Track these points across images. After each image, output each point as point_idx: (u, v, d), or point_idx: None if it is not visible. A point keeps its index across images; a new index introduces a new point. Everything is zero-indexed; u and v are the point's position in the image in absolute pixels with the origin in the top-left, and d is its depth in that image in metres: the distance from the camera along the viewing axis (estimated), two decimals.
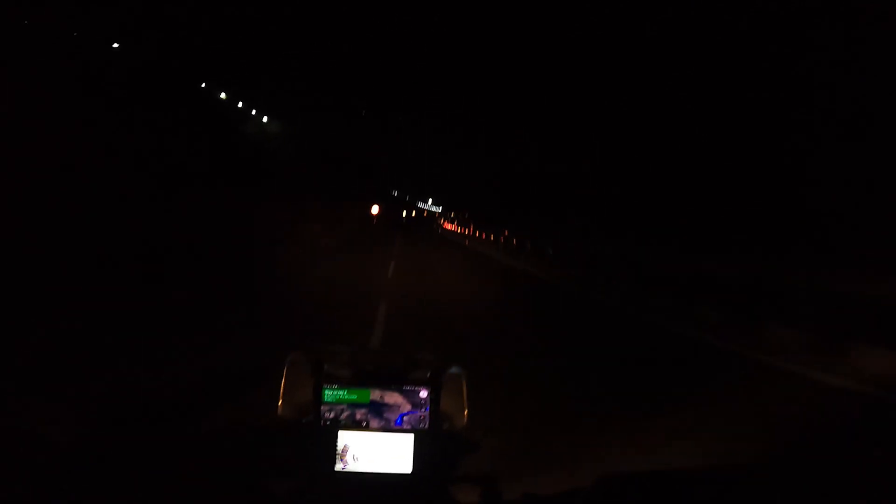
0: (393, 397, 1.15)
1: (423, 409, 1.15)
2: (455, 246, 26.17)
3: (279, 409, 1.17)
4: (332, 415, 1.14)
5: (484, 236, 25.82)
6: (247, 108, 47.91)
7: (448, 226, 53.99)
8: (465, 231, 35.08)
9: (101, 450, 2.31)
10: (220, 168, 18.94)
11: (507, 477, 1.17)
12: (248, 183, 19.79)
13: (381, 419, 1.15)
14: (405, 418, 1.15)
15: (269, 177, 25.65)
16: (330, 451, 1.11)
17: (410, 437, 1.13)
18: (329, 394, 1.14)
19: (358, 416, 1.14)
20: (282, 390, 1.17)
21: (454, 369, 1.20)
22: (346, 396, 1.14)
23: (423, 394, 1.15)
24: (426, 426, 1.14)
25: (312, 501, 1.11)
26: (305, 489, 1.12)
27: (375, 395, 1.15)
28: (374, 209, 38.99)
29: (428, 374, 1.18)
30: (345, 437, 1.12)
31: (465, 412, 1.18)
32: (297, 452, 1.15)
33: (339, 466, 1.11)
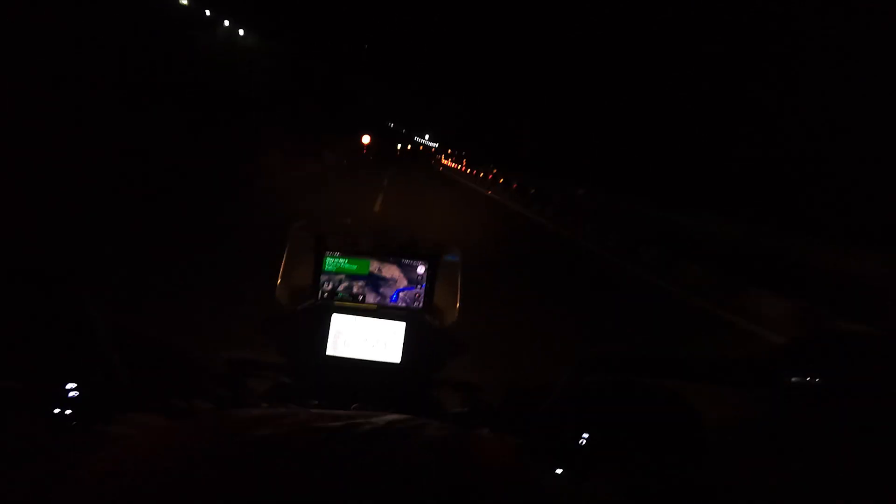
0: (391, 270, 1.16)
1: (419, 287, 1.17)
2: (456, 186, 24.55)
3: (276, 290, 1.17)
4: (329, 286, 1.15)
5: (491, 177, 23.67)
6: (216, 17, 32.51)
7: (447, 162, 51.08)
8: (468, 171, 32.57)
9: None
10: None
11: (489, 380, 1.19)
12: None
13: (377, 293, 1.17)
14: (401, 294, 1.17)
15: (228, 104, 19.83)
16: (323, 335, 1.12)
17: (402, 325, 1.13)
18: (330, 262, 1.15)
19: (355, 289, 1.16)
20: (282, 267, 1.16)
21: (451, 256, 1.20)
22: (346, 266, 1.16)
23: (421, 269, 1.17)
24: (420, 304, 1.17)
25: (299, 383, 1.12)
26: (295, 372, 1.14)
27: (374, 266, 1.16)
28: (365, 139, 35.36)
29: (427, 253, 1.19)
30: (338, 322, 1.13)
31: (458, 305, 1.18)
32: (290, 336, 1.15)
33: (330, 350, 1.12)
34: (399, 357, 1.13)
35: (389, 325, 1.13)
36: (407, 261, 1.17)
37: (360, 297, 1.17)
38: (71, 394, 0.59)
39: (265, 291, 1.20)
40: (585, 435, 0.67)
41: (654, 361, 0.74)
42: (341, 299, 1.16)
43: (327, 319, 1.13)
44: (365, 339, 1.13)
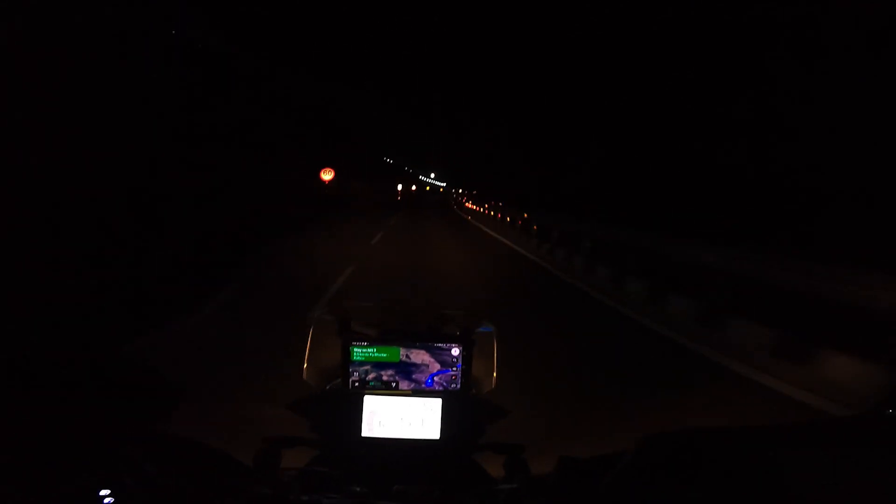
0: (421, 356, 1.11)
1: (454, 368, 1.11)
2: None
3: (304, 374, 1.15)
4: (359, 376, 1.11)
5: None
6: None
7: (471, 205, 38.23)
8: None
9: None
10: None
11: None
12: None
13: (409, 380, 1.11)
14: (436, 378, 1.11)
15: None
16: (356, 417, 1.09)
17: (438, 401, 1.10)
18: (358, 352, 1.10)
19: (385, 377, 1.11)
20: (307, 353, 1.15)
21: (485, 327, 1.17)
22: (375, 355, 1.11)
23: (455, 352, 1.11)
24: (457, 386, 1.11)
25: (337, 467, 1.09)
26: (330, 455, 1.11)
27: (404, 353, 1.11)
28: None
29: (458, 331, 1.14)
30: (371, 402, 1.10)
31: (495, 374, 1.15)
32: (323, 420, 1.12)
33: (365, 432, 1.09)
34: (438, 433, 1.09)
35: (425, 402, 1.10)
36: (439, 344, 1.11)
37: (393, 385, 1.12)
38: (106, 500, 0.59)
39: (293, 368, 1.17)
40: None
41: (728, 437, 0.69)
42: (373, 388, 1.11)
43: (360, 401, 1.09)
44: (401, 418, 1.10)
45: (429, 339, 1.12)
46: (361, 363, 1.11)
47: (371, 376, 1.11)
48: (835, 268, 4.61)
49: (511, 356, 1.40)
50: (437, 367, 1.11)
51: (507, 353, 1.23)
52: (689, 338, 5.00)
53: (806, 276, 4.83)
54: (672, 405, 3.24)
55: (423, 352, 1.11)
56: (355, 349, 1.11)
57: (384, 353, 1.11)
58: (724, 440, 0.69)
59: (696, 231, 8.91)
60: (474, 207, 34.12)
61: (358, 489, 0.95)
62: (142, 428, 0.75)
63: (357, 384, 1.11)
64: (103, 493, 0.59)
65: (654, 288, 6.82)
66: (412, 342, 1.11)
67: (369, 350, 1.11)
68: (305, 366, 1.15)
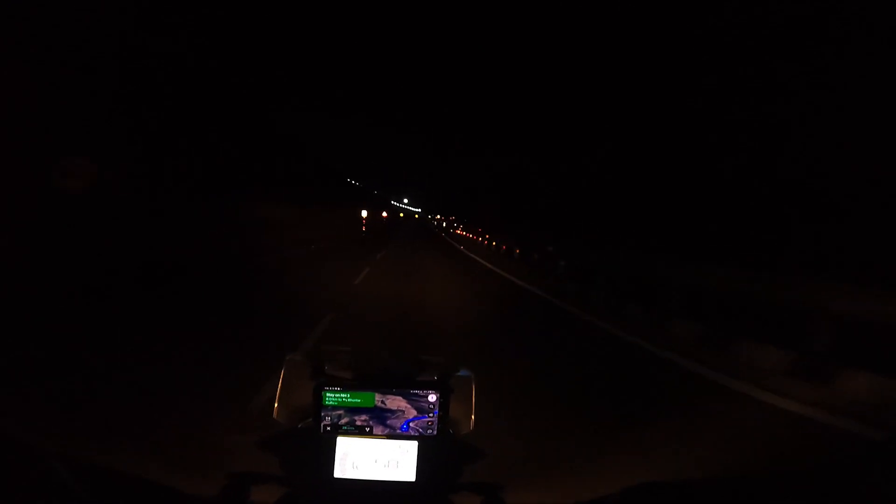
0: (396, 402, 1.08)
1: (430, 414, 1.09)
2: None
3: (275, 413, 1.12)
4: (331, 420, 1.08)
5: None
6: None
7: (464, 233, 35.48)
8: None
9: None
10: None
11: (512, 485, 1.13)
12: None
13: (384, 426, 1.09)
14: (411, 424, 1.09)
15: None
16: (329, 458, 1.06)
17: (414, 444, 1.08)
18: (330, 396, 1.07)
19: (359, 423, 1.08)
20: (279, 392, 1.12)
21: (463, 372, 1.16)
22: (349, 400, 1.08)
23: (433, 398, 1.09)
24: (434, 431, 1.09)
25: None
26: (301, 496, 1.07)
27: (379, 399, 1.08)
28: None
29: (436, 377, 1.13)
30: (344, 444, 1.07)
31: (472, 417, 1.13)
32: (293, 458, 1.09)
33: (338, 473, 1.06)
34: (414, 475, 1.07)
35: (400, 444, 1.08)
36: (416, 391, 1.09)
37: (367, 430, 1.09)
38: None
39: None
40: None
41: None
42: (345, 433, 1.08)
43: (332, 443, 1.06)
44: (375, 459, 1.07)
45: (404, 385, 1.09)
46: (334, 408, 1.08)
47: (344, 420, 1.08)
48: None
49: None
50: (414, 412, 1.09)
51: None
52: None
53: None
54: None
55: (398, 398, 1.09)
56: (327, 394, 1.08)
57: (358, 398, 1.08)
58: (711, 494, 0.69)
59: (716, 252, 8.85)
60: (468, 235, 30.77)
61: None
62: (93, 467, 0.73)
63: (329, 428, 1.08)
64: None
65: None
66: (388, 388, 1.08)
67: (343, 395, 1.08)
68: (277, 405, 1.12)
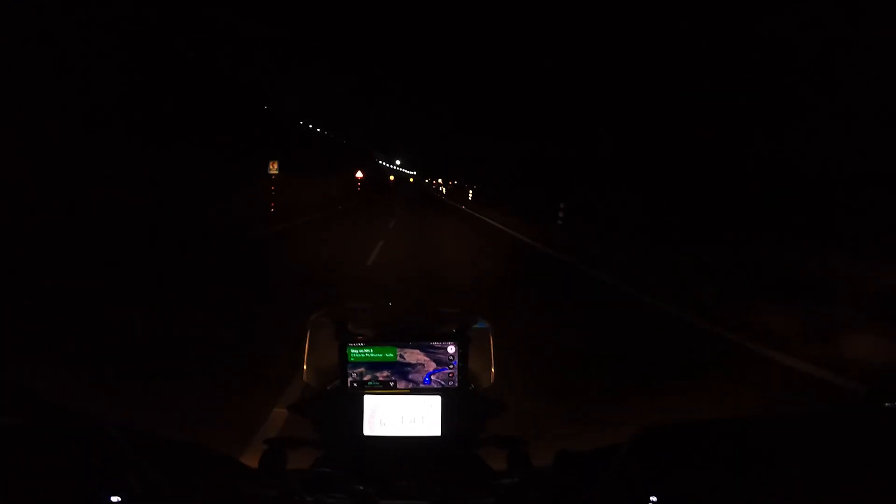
0: (416, 355, 1.12)
1: (450, 366, 1.12)
2: None
3: (304, 376, 1.16)
4: (357, 376, 1.12)
5: None
6: None
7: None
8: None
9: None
10: None
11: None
12: None
13: (407, 380, 1.13)
14: (433, 377, 1.13)
15: None
16: (357, 416, 1.10)
17: (438, 398, 1.11)
18: (354, 353, 1.11)
19: (382, 378, 1.12)
20: (305, 355, 1.15)
21: (480, 323, 1.18)
22: (372, 355, 1.12)
23: (451, 349, 1.12)
24: (455, 383, 1.13)
25: (341, 467, 1.10)
26: (334, 455, 1.12)
27: (401, 352, 1.12)
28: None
29: (454, 329, 1.15)
30: (371, 402, 1.11)
31: (492, 369, 1.17)
32: (324, 420, 1.13)
33: (367, 431, 1.10)
34: (439, 429, 1.11)
35: (425, 399, 1.11)
36: (435, 343, 1.12)
37: (391, 384, 1.13)
38: None
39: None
40: (653, 498, 0.65)
41: (724, 429, 0.73)
42: (371, 388, 1.12)
43: (360, 401, 1.10)
44: (401, 416, 1.11)
45: (424, 337, 1.12)
46: (358, 364, 1.12)
47: (368, 377, 1.12)
48: None
49: None
50: (434, 365, 1.13)
51: None
52: None
53: None
54: None
55: (418, 351, 1.12)
56: (352, 350, 1.11)
57: (380, 353, 1.12)
58: (718, 432, 0.73)
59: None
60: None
61: (362, 488, 0.97)
62: (147, 434, 0.74)
63: (355, 385, 1.12)
64: (114, 499, 0.60)
65: None
66: (407, 342, 1.12)
67: (366, 350, 1.12)
68: (305, 367, 1.15)
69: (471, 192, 36.38)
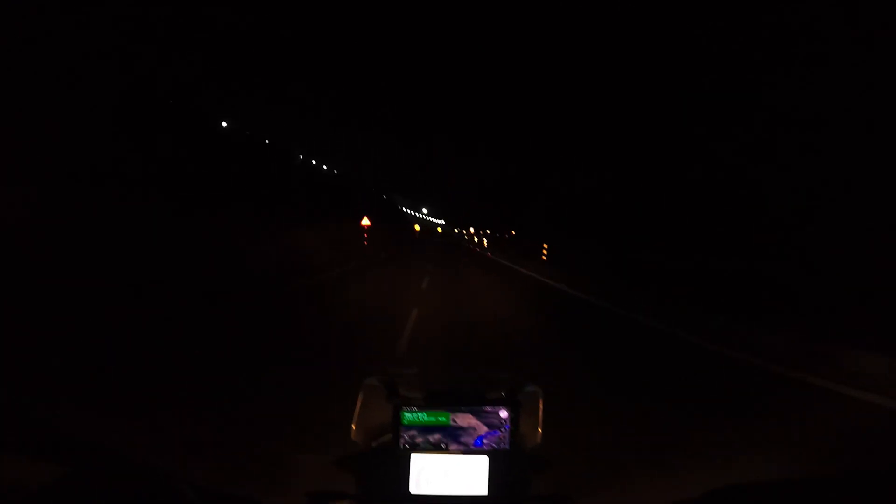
0: (467, 419, 1.14)
1: (502, 429, 1.14)
2: None
3: (353, 434, 1.19)
4: (409, 438, 1.14)
5: None
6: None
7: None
8: None
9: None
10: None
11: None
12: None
13: (458, 443, 1.14)
14: (484, 440, 1.14)
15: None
16: (404, 474, 1.11)
17: (485, 458, 1.12)
18: (408, 416, 1.14)
19: (433, 441, 1.14)
20: (356, 414, 1.18)
21: (529, 387, 1.20)
22: (425, 419, 1.14)
23: (503, 414, 1.14)
24: (506, 446, 1.14)
25: None
26: None
27: (451, 417, 1.14)
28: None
29: (503, 393, 1.18)
30: (419, 460, 1.13)
31: (540, 430, 1.18)
32: (369, 476, 1.15)
33: (413, 489, 1.11)
34: (486, 489, 1.11)
35: (472, 459, 1.12)
36: (487, 407, 1.15)
37: (443, 446, 1.14)
38: None
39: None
40: None
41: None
42: (421, 450, 1.14)
43: (407, 459, 1.12)
44: (448, 475, 1.12)
45: (476, 402, 1.15)
46: (411, 426, 1.14)
47: (420, 439, 1.14)
48: None
49: None
50: (485, 429, 1.14)
51: None
52: None
53: None
54: None
55: (470, 415, 1.14)
56: (406, 413, 1.14)
57: (433, 416, 1.14)
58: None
59: None
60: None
61: None
62: (213, 489, 0.79)
63: (407, 446, 1.14)
64: None
65: None
66: (459, 406, 1.14)
67: (419, 414, 1.14)
68: (354, 426, 1.19)
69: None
